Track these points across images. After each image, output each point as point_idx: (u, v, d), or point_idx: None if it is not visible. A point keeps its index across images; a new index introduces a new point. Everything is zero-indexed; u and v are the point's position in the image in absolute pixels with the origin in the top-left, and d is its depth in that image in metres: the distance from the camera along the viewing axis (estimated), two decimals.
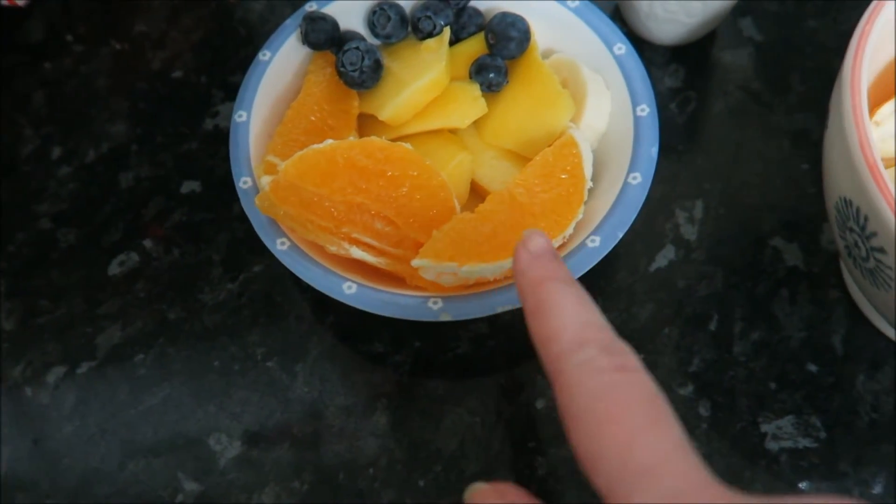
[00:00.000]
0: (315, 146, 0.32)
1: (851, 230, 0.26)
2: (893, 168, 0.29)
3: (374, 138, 0.32)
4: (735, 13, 0.43)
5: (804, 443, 0.32)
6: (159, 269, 0.38)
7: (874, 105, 0.31)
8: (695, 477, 0.17)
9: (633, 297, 0.36)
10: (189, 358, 0.36)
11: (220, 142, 0.41)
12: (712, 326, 0.35)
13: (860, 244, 0.26)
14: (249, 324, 0.36)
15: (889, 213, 0.23)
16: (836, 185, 0.27)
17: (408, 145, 0.32)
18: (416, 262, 0.30)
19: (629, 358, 0.20)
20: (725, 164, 0.39)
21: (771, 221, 0.37)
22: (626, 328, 0.35)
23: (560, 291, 0.20)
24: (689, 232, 0.37)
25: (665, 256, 0.37)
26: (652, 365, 0.34)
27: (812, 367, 0.34)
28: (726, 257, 0.37)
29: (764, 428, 0.33)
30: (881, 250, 0.24)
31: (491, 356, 0.35)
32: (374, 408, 0.34)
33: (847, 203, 0.26)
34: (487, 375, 0.35)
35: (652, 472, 0.17)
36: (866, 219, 0.25)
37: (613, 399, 0.18)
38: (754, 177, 0.39)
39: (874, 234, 0.24)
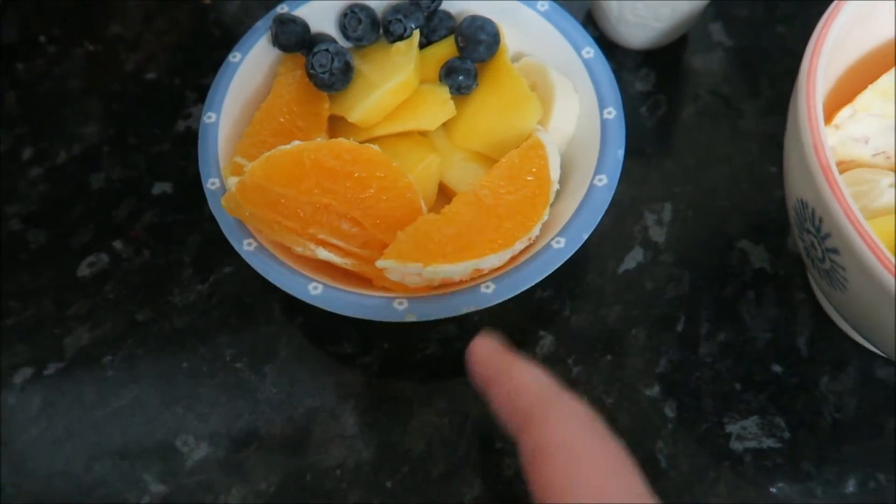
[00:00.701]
0: (282, 147, 0.32)
1: (808, 231, 0.26)
2: (850, 172, 0.30)
3: (341, 140, 0.32)
4: (705, 18, 0.44)
5: (768, 443, 0.33)
6: (129, 271, 0.38)
7: (837, 108, 0.31)
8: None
9: (601, 299, 0.36)
10: (157, 359, 0.36)
11: (192, 143, 0.41)
12: (679, 328, 0.35)
13: (816, 245, 0.26)
14: (219, 325, 0.36)
15: (841, 215, 0.23)
16: (794, 187, 0.27)
17: (375, 147, 0.32)
18: (380, 263, 0.30)
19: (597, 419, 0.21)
20: (694, 167, 0.39)
21: (738, 224, 0.38)
22: (594, 329, 0.35)
23: (518, 361, 0.22)
24: (658, 234, 0.38)
25: (633, 258, 0.37)
26: (619, 366, 0.34)
27: (777, 368, 0.34)
28: (694, 259, 0.37)
29: (729, 428, 0.33)
30: (835, 251, 0.25)
31: (459, 357, 0.34)
32: (342, 409, 0.34)
33: (803, 205, 0.26)
34: (455, 377, 0.35)
35: None
36: (821, 220, 0.25)
37: (589, 440, 0.20)
38: (723, 180, 0.39)
39: (828, 236, 0.25)
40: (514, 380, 0.22)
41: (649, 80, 0.42)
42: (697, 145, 0.40)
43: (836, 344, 0.34)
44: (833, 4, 0.27)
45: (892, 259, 0.22)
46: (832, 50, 0.27)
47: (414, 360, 0.35)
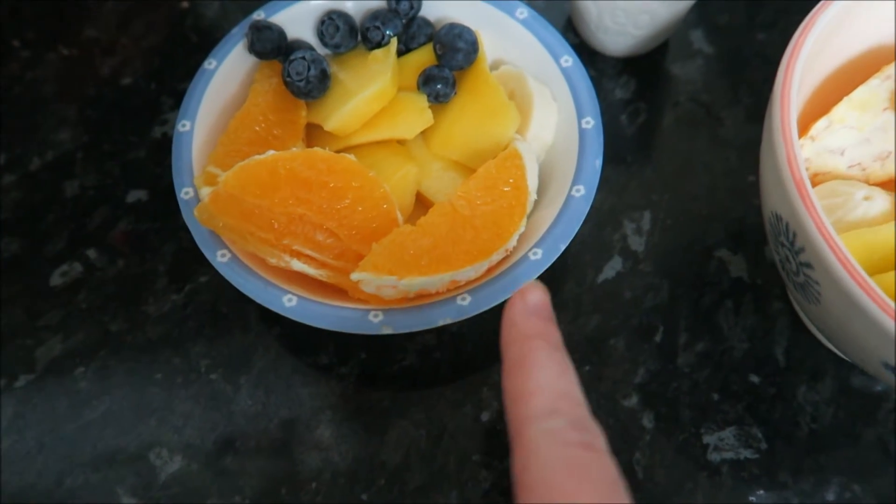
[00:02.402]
0: (257, 157, 0.31)
1: (782, 245, 0.26)
2: (824, 184, 0.30)
3: (317, 149, 0.32)
4: (686, 25, 0.44)
5: (745, 454, 0.33)
6: (103, 280, 0.37)
7: (813, 118, 0.31)
8: None
9: (580, 308, 0.36)
10: (131, 371, 0.35)
11: (168, 150, 0.40)
12: (657, 338, 0.35)
13: (790, 259, 0.26)
14: (194, 335, 0.36)
15: (814, 230, 0.23)
16: (769, 201, 0.27)
17: (351, 156, 0.32)
18: (355, 276, 0.29)
19: (598, 439, 0.18)
20: (674, 175, 0.39)
21: (717, 233, 0.38)
22: (572, 339, 0.35)
23: (546, 353, 0.20)
24: (637, 243, 0.37)
25: (613, 267, 0.37)
26: (597, 376, 0.34)
27: (754, 378, 0.34)
28: (673, 269, 0.37)
29: (706, 439, 0.33)
30: (808, 265, 0.25)
31: (437, 368, 0.35)
32: (318, 421, 0.34)
33: (778, 218, 0.26)
34: (433, 388, 0.34)
35: None
36: (794, 234, 0.25)
37: (572, 474, 0.17)
38: (702, 188, 0.39)
39: (802, 250, 0.25)
40: (527, 381, 0.19)
41: (629, 88, 0.42)
42: (677, 153, 0.40)
43: (814, 353, 0.35)
44: (807, 19, 0.27)
45: (864, 275, 0.22)
46: (808, 60, 0.27)
47: (391, 371, 0.35)
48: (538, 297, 0.21)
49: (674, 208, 0.38)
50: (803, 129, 0.31)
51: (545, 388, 0.19)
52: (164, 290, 0.37)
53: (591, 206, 0.32)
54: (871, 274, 0.26)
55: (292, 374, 0.35)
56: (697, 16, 0.44)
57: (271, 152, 0.32)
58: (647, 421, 0.33)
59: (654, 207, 0.38)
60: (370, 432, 0.33)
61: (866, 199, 0.28)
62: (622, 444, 0.33)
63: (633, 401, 0.34)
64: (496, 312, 0.32)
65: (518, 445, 0.18)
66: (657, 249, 0.37)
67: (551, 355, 0.19)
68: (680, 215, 0.38)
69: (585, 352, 0.35)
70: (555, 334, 0.20)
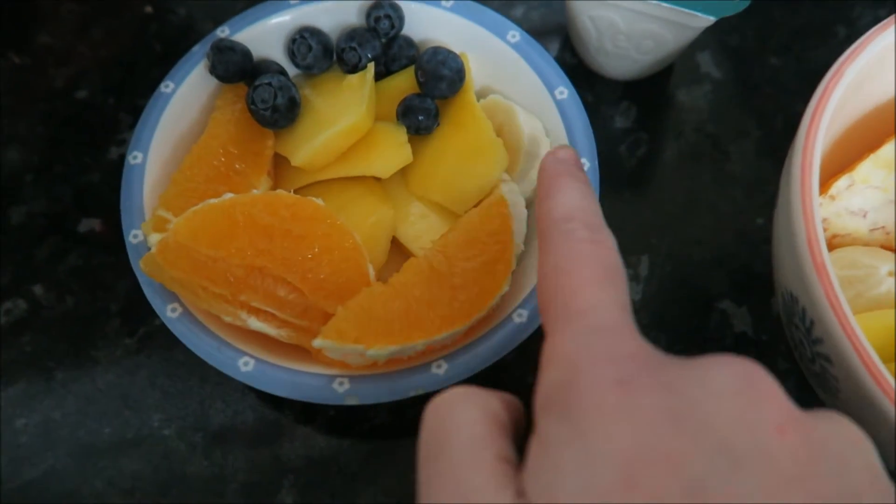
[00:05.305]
0: (211, 201, 0.28)
1: (797, 327, 0.23)
2: (844, 251, 0.27)
3: (280, 192, 0.29)
4: (693, 47, 0.40)
5: None
6: (49, 320, 0.34)
7: (833, 172, 0.28)
8: (618, 321, 0.18)
9: None
10: (77, 424, 0.32)
11: None
12: None
13: (805, 344, 0.23)
14: (146, 386, 0.33)
15: (837, 327, 0.20)
16: (782, 276, 0.24)
17: (319, 200, 0.29)
18: (317, 343, 0.26)
19: (606, 238, 0.21)
20: (675, 215, 0.36)
21: (720, 282, 0.35)
22: None
23: (571, 183, 0.22)
24: (634, 291, 0.34)
25: None
26: None
27: None
28: (671, 321, 0.34)
29: None
30: (827, 359, 0.22)
31: (411, 428, 0.32)
32: (279, 486, 0.31)
33: (793, 298, 0.23)
34: (407, 450, 0.31)
35: (584, 313, 0.18)
36: (812, 322, 0.22)
37: (577, 259, 0.20)
38: (705, 231, 0.36)
39: (819, 341, 0.22)
40: (552, 200, 0.21)
41: (630, 115, 0.39)
42: (679, 191, 0.37)
43: None
44: (826, 79, 0.24)
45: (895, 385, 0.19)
46: (831, 118, 0.24)
47: (361, 430, 0.32)
48: (565, 153, 0.24)
49: (674, 253, 0.35)
50: (822, 184, 0.28)
51: (566, 203, 0.21)
52: (116, 334, 0.34)
53: None
54: (888, 361, 0.23)
55: (253, 432, 0.32)
56: (706, 37, 0.40)
57: (228, 195, 0.28)
58: None
59: (653, 252, 0.35)
60: (337, 499, 0.31)
61: (891, 274, 0.25)
62: None
63: None
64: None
65: (541, 247, 0.21)
66: (655, 299, 0.34)
67: (575, 185, 0.22)
68: (680, 261, 0.35)
69: None
70: (581, 174, 0.23)
